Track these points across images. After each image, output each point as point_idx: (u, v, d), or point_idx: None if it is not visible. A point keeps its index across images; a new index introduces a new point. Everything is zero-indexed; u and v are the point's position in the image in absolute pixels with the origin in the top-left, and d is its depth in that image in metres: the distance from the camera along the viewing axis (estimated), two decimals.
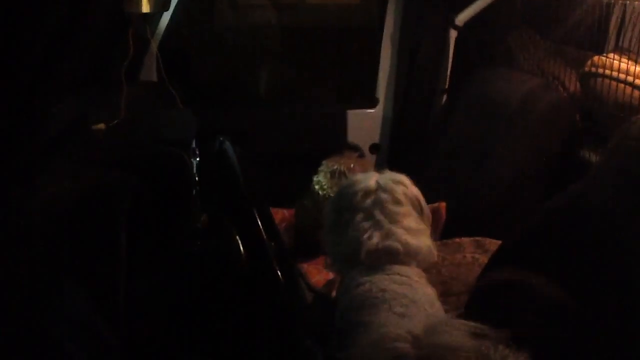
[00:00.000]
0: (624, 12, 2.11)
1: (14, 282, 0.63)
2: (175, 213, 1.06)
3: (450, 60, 2.76)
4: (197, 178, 1.22)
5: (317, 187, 2.30)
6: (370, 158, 2.99)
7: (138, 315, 0.81)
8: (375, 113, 2.93)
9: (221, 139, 1.06)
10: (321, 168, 2.32)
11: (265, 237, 0.98)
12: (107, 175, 0.90)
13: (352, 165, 2.25)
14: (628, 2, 2.05)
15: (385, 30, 2.79)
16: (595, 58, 2.03)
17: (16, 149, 0.73)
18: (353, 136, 2.93)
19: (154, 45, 2.23)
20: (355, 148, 2.89)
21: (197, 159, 1.28)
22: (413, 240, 1.38)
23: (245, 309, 0.93)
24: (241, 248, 0.94)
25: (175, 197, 1.10)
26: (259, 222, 0.98)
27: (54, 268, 0.69)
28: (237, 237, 0.94)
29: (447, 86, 2.81)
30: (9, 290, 0.63)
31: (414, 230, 1.40)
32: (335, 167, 2.27)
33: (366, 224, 1.35)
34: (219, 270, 0.95)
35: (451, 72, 2.79)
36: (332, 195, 2.25)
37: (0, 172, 0.71)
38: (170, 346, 0.85)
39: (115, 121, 1.33)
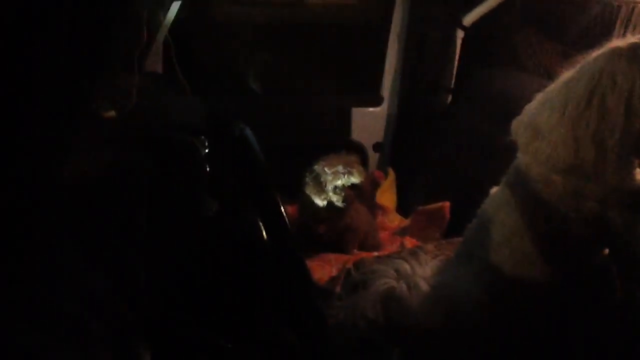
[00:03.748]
0: (631, 13, 2.11)
1: (33, 262, 0.63)
2: (187, 200, 1.05)
3: (457, 60, 2.76)
4: (208, 167, 1.21)
5: (306, 189, 2.31)
6: (374, 157, 2.99)
7: (156, 296, 0.80)
8: (379, 111, 2.93)
9: (241, 125, 1.06)
10: (314, 168, 2.33)
11: (288, 223, 0.98)
12: (123, 155, 0.89)
13: (339, 168, 2.25)
14: (636, 5, 2.05)
15: (391, 29, 2.79)
16: None
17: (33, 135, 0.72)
18: (357, 134, 2.92)
19: (161, 35, 2.22)
20: (358, 147, 2.88)
21: (207, 150, 1.27)
22: None
23: (264, 291, 0.93)
24: (264, 233, 0.94)
25: (187, 185, 1.10)
26: (282, 209, 0.98)
27: (75, 246, 0.68)
28: (260, 222, 0.94)
29: (452, 86, 2.81)
30: (28, 269, 0.62)
31: None
32: (319, 171, 2.28)
33: None
34: (239, 254, 0.94)
35: (457, 71, 2.79)
36: (317, 199, 2.27)
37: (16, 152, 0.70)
38: (187, 325, 0.85)
39: (127, 109, 1.31)
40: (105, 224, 0.74)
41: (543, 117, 1.18)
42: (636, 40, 1.13)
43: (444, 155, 2.68)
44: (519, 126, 1.23)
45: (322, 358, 0.93)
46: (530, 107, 1.24)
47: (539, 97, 1.26)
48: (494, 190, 1.37)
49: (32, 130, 0.72)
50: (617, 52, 1.11)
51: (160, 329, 0.80)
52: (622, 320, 1.18)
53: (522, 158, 1.24)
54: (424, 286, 1.21)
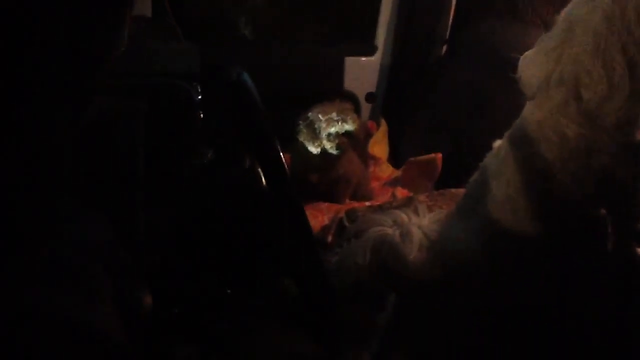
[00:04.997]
0: None
1: (32, 209, 0.62)
2: (182, 146, 1.04)
3: (453, 9, 2.71)
4: (201, 113, 1.20)
5: (299, 136, 2.30)
6: (366, 107, 2.97)
7: (155, 242, 0.80)
8: (372, 61, 2.89)
9: (238, 70, 1.03)
10: (307, 115, 2.31)
11: (287, 169, 0.97)
12: (118, 101, 0.88)
13: (333, 115, 2.23)
14: None
15: None
16: None
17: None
18: (349, 84, 2.89)
19: None
20: (350, 97, 2.85)
21: (200, 96, 1.25)
22: None
23: (263, 239, 0.93)
24: (262, 178, 0.93)
25: (181, 131, 1.08)
26: (281, 156, 0.97)
27: (73, 193, 0.67)
28: (258, 168, 0.93)
29: (447, 36, 2.76)
30: (27, 217, 0.62)
31: None
32: (313, 118, 2.26)
33: None
34: (237, 201, 0.94)
35: (453, 22, 2.74)
36: (311, 146, 2.26)
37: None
38: (187, 271, 0.85)
39: (117, 53, 1.28)
40: (101, 171, 0.74)
41: (562, 51, 1.11)
42: None
43: (437, 107, 2.66)
44: (530, 76, 1.19)
45: (323, 306, 0.94)
46: (536, 52, 1.19)
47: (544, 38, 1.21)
48: (496, 143, 1.35)
49: (25, 79, 0.70)
50: None
51: (161, 275, 0.80)
52: (615, 275, 1.19)
53: (531, 114, 1.21)
54: (418, 235, 1.21)
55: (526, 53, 1.24)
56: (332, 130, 2.23)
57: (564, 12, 1.20)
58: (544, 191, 1.16)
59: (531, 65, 1.19)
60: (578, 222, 1.18)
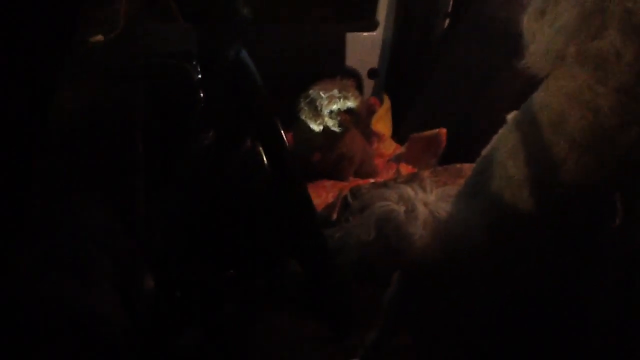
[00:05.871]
0: None
1: (35, 198, 0.62)
2: (182, 128, 1.03)
3: None
4: (201, 93, 1.18)
5: (301, 114, 2.29)
6: (369, 83, 2.95)
7: (156, 226, 0.80)
8: (374, 36, 2.86)
9: (236, 47, 1.01)
10: (309, 93, 2.29)
11: (289, 150, 0.96)
12: (115, 85, 0.87)
13: (335, 92, 2.21)
14: None
15: None
16: None
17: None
18: (351, 60, 2.86)
19: None
20: (352, 73, 2.83)
21: (199, 75, 1.23)
22: None
23: (266, 219, 0.92)
24: (264, 159, 0.92)
25: (180, 112, 1.07)
26: (283, 134, 0.96)
27: (74, 179, 0.67)
28: (260, 148, 0.92)
29: (450, 10, 2.73)
30: (29, 201, 0.61)
31: None
32: (314, 96, 2.24)
33: None
34: (240, 182, 0.93)
35: None
36: (313, 124, 2.25)
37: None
38: (188, 256, 0.85)
39: (114, 34, 1.27)
40: (100, 157, 0.73)
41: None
42: None
43: (440, 82, 2.64)
44: (543, 50, 1.14)
45: (328, 287, 0.94)
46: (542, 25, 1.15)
47: None
48: (510, 115, 1.31)
49: (22, 63, 0.69)
50: None
51: (162, 259, 0.80)
52: (624, 260, 1.18)
53: (557, 89, 1.16)
54: (424, 212, 1.20)
55: (526, 19, 1.19)
56: (334, 107, 2.21)
57: None
58: (564, 174, 1.13)
59: (541, 40, 1.15)
60: (592, 205, 1.16)
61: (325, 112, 2.23)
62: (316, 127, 2.27)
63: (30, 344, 0.55)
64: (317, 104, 2.23)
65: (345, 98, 2.22)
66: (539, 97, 1.20)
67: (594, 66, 1.09)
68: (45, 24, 0.71)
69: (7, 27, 0.63)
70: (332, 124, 2.24)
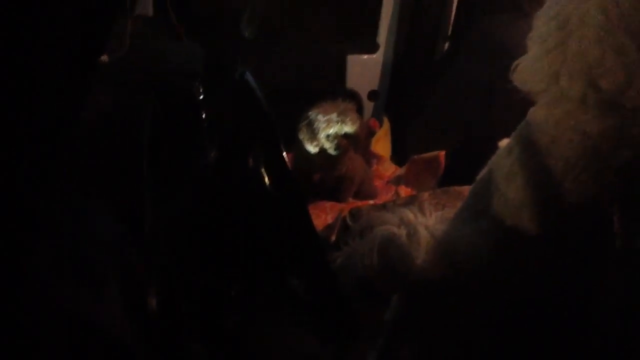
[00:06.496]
0: None
1: (40, 205, 0.62)
2: (186, 147, 1.03)
3: (455, 5, 2.69)
4: (204, 113, 1.19)
5: (300, 135, 2.29)
6: (369, 105, 2.96)
7: (161, 240, 0.80)
8: (375, 59, 2.88)
9: (241, 69, 1.02)
10: (308, 114, 2.30)
11: (289, 169, 0.96)
12: (123, 97, 0.87)
13: (333, 116, 2.22)
14: None
15: None
16: None
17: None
18: (352, 82, 2.88)
19: None
20: (352, 95, 2.84)
21: (202, 95, 1.24)
22: None
23: (267, 239, 0.92)
24: (266, 178, 0.92)
25: (185, 131, 1.08)
26: (285, 155, 0.96)
27: (81, 190, 0.67)
28: (263, 168, 0.92)
29: (450, 33, 2.75)
30: (35, 212, 0.61)
31: None
32: (313, 118, 2.24)
33: None
34: (241, 201, 0.93)
35: (455, 18, 2.73)
36: (309, 146, 2.25)
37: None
38: (191, 271, 0.85)
39: (119, 53, 1.28)
40: (108, 167, 0.73)
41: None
42: None
43: (439, 104, 2.65)
44: (533, 81, 1.15)
45: (329, 305, 0.93)
46: (534, 57, 1.17)
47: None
48: (502, 142, 1.32)
49: (33, 80, 0.69)
50: None
51: (166, 272, 0.79)
52: (624, 273, 1.18)
53: (545, 116, 1.17)
54: (425, 234, 1.20)
55: (519, 61, 1.22)
56: (331, 131, 2.21)
57: (546, 11, 1.18)
58: (563, 193, 1.13)
59: (531, 71, 1.17)
60: (592, 221, 1.16)
61: (322, 135, 2.23)
62: (312, 149, 2.26)
63: (36, 349, 0.55)
64: (315, 126, 2.23)
65: (343, 122, 2.22)
66: (531, 120, 1.22)
67: (578, 92, 1.10)
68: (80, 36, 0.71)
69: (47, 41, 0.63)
70: (328, 147, 2.24)
